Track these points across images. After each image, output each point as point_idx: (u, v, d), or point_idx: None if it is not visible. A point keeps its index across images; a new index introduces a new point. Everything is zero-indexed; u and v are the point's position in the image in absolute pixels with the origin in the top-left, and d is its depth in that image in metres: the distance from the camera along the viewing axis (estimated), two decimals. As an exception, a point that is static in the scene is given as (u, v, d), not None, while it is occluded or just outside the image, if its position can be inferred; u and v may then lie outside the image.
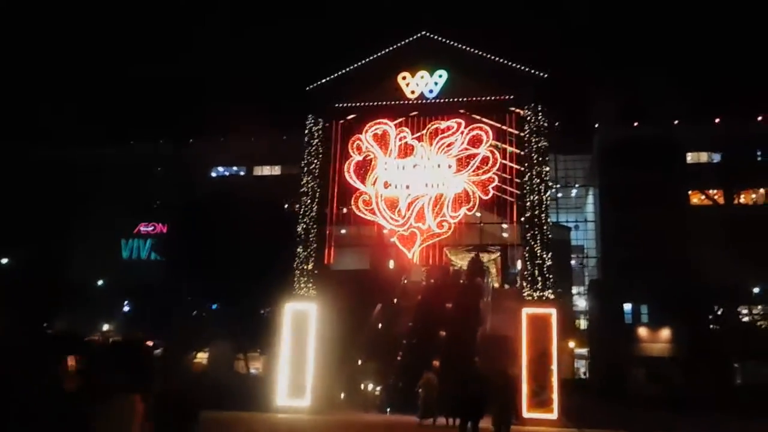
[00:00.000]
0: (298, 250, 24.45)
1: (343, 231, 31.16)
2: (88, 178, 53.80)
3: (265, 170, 58.26)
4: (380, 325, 28.51)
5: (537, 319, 22.70)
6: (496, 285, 35.30)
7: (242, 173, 59.63)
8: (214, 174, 59.10)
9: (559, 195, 51.12)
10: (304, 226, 24.60)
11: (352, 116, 25.57)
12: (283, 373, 22.37)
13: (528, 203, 23.75)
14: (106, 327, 45.94)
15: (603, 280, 46.27)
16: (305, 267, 24.18)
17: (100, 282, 48.22)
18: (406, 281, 32.47)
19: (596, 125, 50.09)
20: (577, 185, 55.74)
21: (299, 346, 22.46)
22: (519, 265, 30.71)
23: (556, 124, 24.57)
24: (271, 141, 54.03)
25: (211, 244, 31.01)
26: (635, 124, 48.59)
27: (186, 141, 59.33)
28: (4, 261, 46.74)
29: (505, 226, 33.53)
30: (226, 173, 59.93)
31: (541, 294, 23.19)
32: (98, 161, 55.51)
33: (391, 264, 33.07)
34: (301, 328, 22.65)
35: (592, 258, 51.96)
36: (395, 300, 30.82)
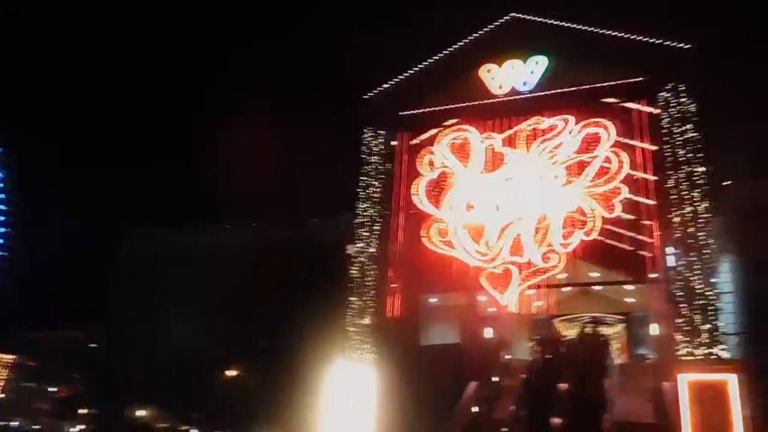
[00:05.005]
0: (352, 299, 18.37)
1: (432, 300, 24.85)
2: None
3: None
4: (475, 409, 21.50)
5: (707, 390, 14.79)
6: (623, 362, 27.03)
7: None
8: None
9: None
10: (360, 267, 18.62)
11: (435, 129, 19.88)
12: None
13: (677, 220, 16.43)
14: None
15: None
16: (360, 322, 18.00)
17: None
18: (508, 358, 25.16)
19: (725, 183, 40.68)
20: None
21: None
22: (653, 330, 22.61)
23: None
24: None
25: None
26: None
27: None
28: None
29: (630, 288, 25.43)
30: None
31: (709, 351, 15.30)
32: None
33: (490, 332, 25.83)
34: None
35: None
36: (495, 378, 23.51)
